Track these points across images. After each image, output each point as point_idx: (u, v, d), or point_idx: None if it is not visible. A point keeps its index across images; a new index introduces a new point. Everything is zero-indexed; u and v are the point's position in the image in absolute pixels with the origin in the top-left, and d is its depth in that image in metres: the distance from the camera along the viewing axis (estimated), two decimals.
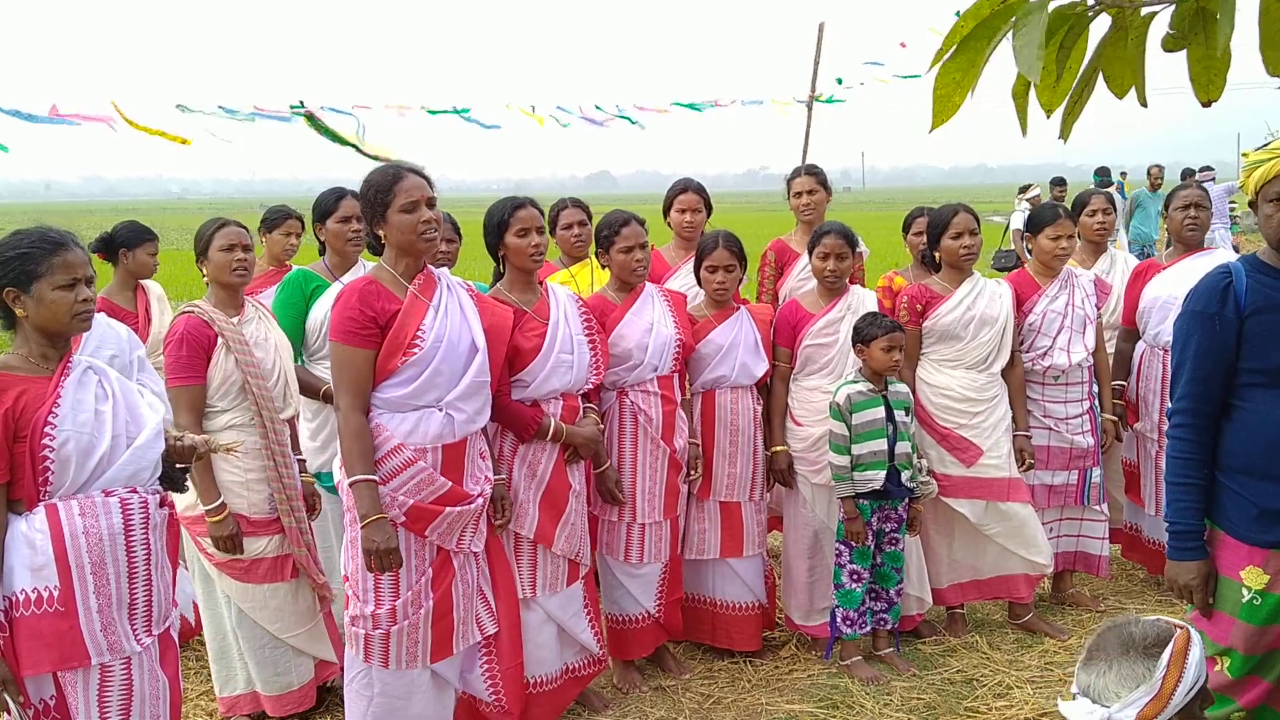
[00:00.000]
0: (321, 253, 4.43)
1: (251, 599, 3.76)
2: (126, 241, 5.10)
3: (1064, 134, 1.98)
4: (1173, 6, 1.83)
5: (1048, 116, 2.05)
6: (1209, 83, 1.88)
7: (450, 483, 3.30)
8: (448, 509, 3.28)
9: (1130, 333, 5.01)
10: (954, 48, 1.94)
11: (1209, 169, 18.13)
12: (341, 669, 4.00)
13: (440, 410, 3.29)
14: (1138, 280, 4.95)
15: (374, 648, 3.29)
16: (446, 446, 3.31)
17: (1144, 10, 1.86)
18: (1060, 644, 4.56)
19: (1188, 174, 18.76)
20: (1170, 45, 1.88)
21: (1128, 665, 2.13)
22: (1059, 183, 15.27)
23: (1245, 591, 2.75)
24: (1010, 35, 2.00)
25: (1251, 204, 2.79)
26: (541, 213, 3.82)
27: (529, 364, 3.71)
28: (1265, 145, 2.72)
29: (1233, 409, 2.81)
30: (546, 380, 3.74)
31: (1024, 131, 1.92)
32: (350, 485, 3.18)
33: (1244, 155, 2.76)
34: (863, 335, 4.20)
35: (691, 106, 8.52)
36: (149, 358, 3.46)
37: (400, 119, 6.47)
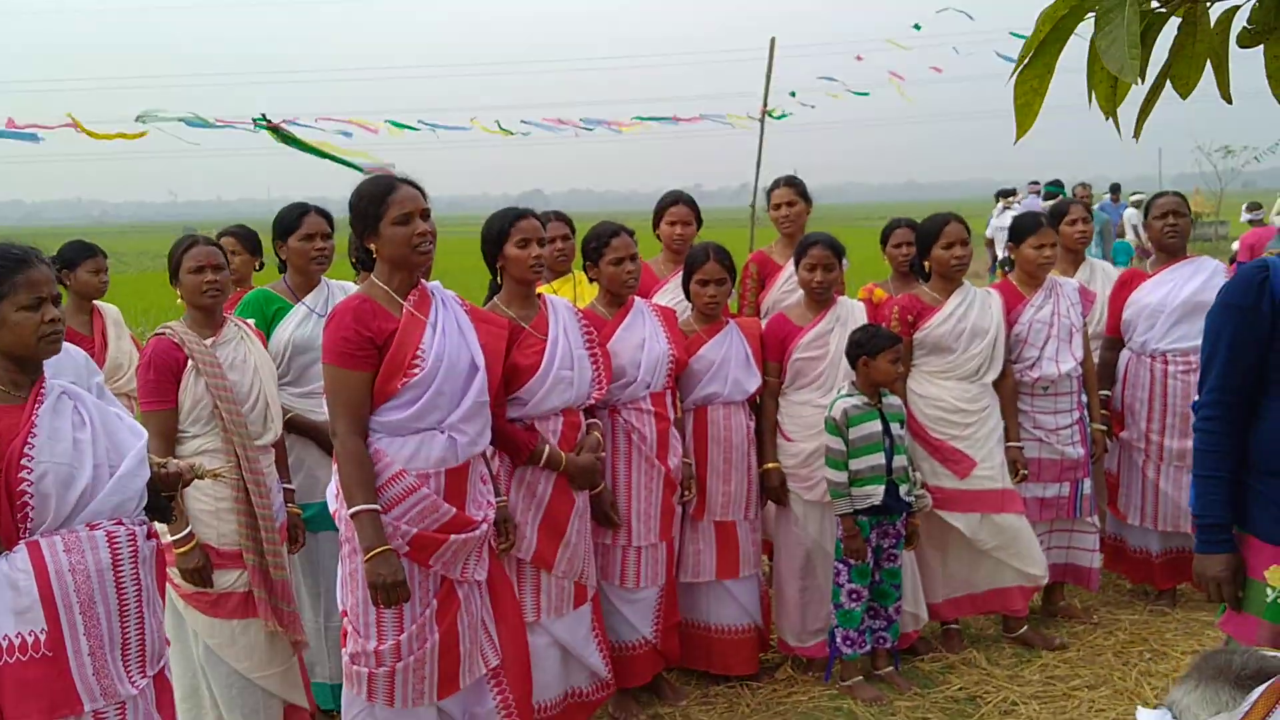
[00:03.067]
0: (282, 271, 4.24)
1: (219, 635, 3.55)
2: (67, 261, 4.86)
3: (1136, 133, 1.92)
4: (1253, 1, 1.77)
5: (1106, 118, 1.99)
6: None
7: (454, 509, 3.15)
8: (453, 537, 3.13)
9: (1115, 341, 5.01)
10: (1032, 53, 1.87)
11: (1084, 184, 18.40)
12: (313, 714, 3.82)
13: (443, 433, 3.14)
14: (1123, 289, 4.97)
15: (378, 686, 3.12)
16: (450, 471, 3.16)
17: (1222, 6, 1.81)
18: (1060, 658, 4.52)
19: (1115, 189, 19.23)
20: (1247, 41, 1.83)
21: (1214, 690, 2.02)
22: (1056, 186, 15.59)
23: (1270, 591, 2.72)
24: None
25: None
26: (542, 224, 3.69)
27: (527, 382, 3.58)
28: None
29: (1260, 408, 2.78)
30: (546, 398, 3.61)
31: (1123, 131, 1.86)
32: (351, 516, 3.01)
33: None
34: (867, 348, 4.13)
35: (654, 119, 8.47)
36: (107, 384, 3.26)
37: (367, 133, 6.30)
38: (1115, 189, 19.15)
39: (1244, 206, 14.92)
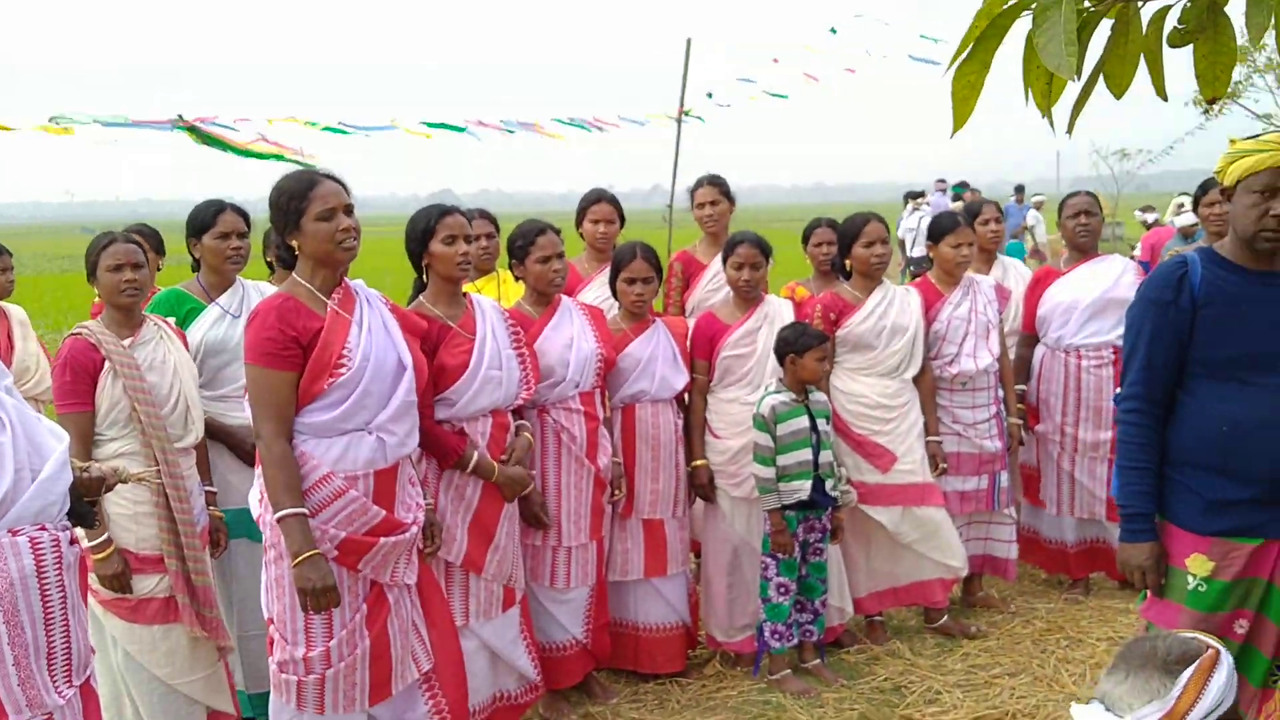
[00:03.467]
0: (195, 270, 4.11)
1: (139, 641, 3.43)
2: None
3: (1069, 129, 1.97)
4: (1184, 1, 1.83)
5: (1042, 116, 2.03)
6: (1215, 79, 1.89)
7: (383, 511, 3.09)
8: (382, 540, 3.07)
9: (1029, 338, 5.15)
10: (969, 49, 1.90)
11: (974, 189, 18.92)
12: None
13: (371, 434, 3.07)
14: (1037, 286, 5.10)
15: (307, 695, 3.04)
16: (379, 473, 3.10)
17: (1155, 6, 1.86)
18: (980, 646, 4.62)
19: (1019, 189, 19.78)
20: (1177, 41, 1.88)
21: (1144, 678, 2.08)
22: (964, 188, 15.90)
23: (1191, 579, 2.81)
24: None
25: (1225, 192, 2.81)
26: (468, 221, 3.64)
27: (455, 382, 3.53)
28: (1256, 137, 2.76)
29: (1179, 402, 2.87)
30: (475, 399, 3.56)
31: (1052, 125, 1.90)
32: (277, 520, 2.93)
33: (1232, 141, 2.79)
34: (795, 346, 4.16)
35: (575, 124, 8.40)
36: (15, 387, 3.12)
37: (280, 130, 6.13)
38: (1020, 190, 19.68)
39: (1138, 209, 15.44)
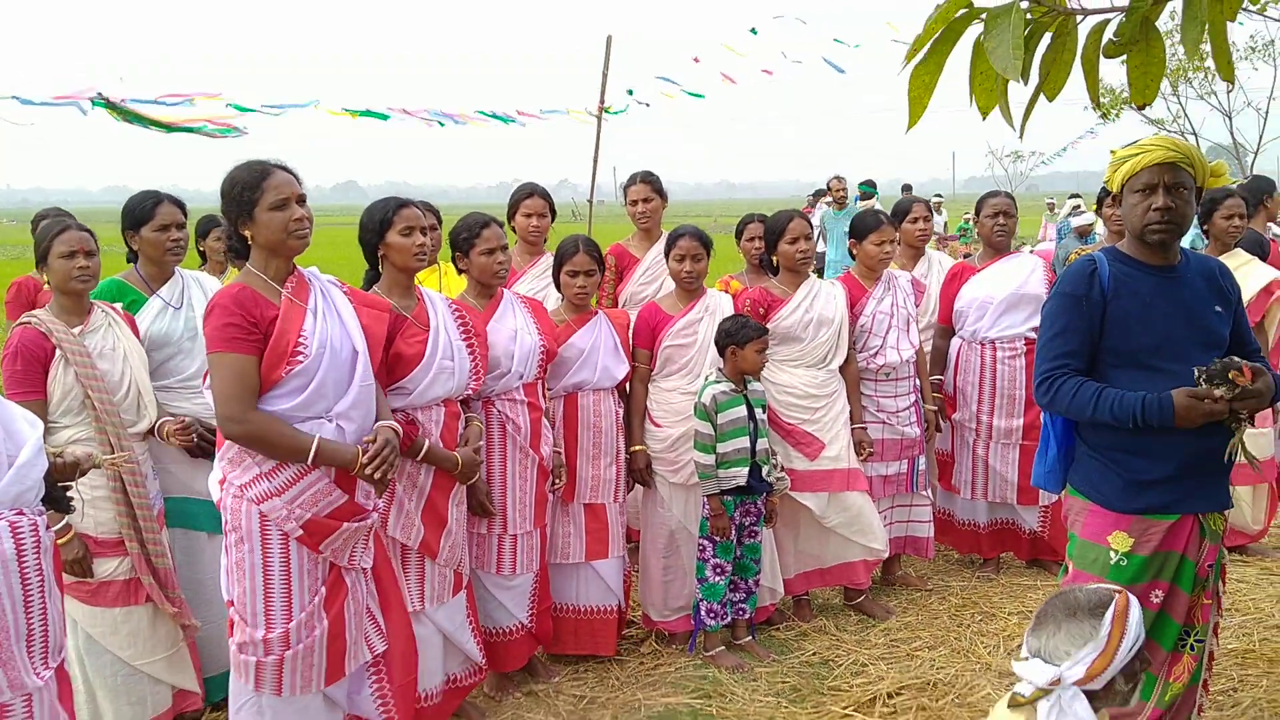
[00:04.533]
0: (131, 261, 4.10)
1: (101, 624, 3.45)
2: None
3: (1020, 132, 2.15)
4: (1120, 16, 2.02)
5: (984, 118, 2.22)
6: (1145, 87, 2.09)
7: (346, 495, 3.15)
8: (344, 524, 3.13)
9: (946, 330, 5.41)
10: (924, 50, 2.07)
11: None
12: (203, 699, 3.75)
13: (331, 421, 3.12)
14: (953, 281, 5.36)
15: (266, 675, 3.08)
16: None
17: (1093, 19, 2.05)
18: (901, 622, 4.87)
19: (907, 188, 20.36)
20: (1112, 51, 2.08)
21: (1075, 626, 2.32)
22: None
23: (1113, 555, 3.02)
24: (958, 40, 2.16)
25: (1114, 197, 3.09)
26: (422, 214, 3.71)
27: (410, 371, 3.59)
28: (1133, 144, 3.01)
29: None
30: (429, 388, 3.63)
31: (1011, 125, 2.07)
32: (313, 461, 3.02)
33: (1111, 153, 3.05)
34: (736, 338, 4.33)
35: (496, 117, 8.46)
36: None
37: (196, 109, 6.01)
38: (907, 188, 20.23)
39: (1067, 204, 15.89)
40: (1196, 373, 2.83)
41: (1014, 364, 5.18)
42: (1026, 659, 2.38)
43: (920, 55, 2.06)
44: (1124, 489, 3.01)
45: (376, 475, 3.11)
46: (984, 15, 2.01)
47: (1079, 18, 2.03)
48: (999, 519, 5.47)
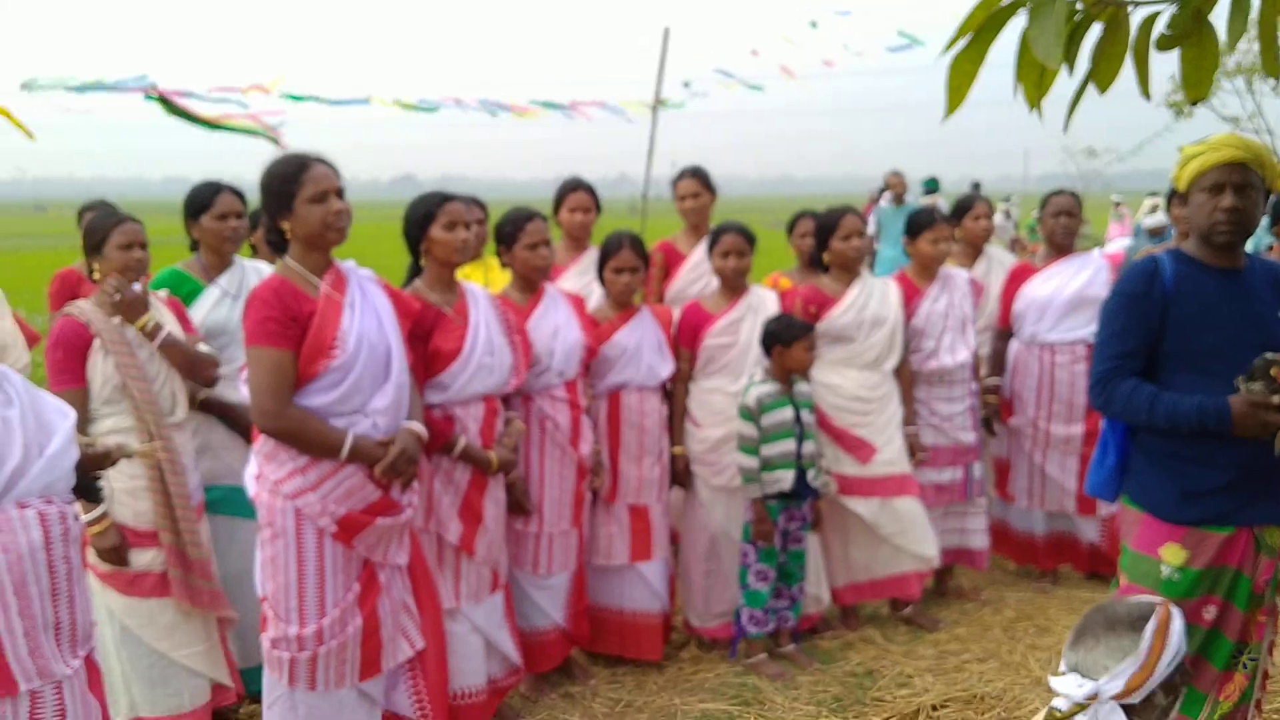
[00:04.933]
0: (193, 249, 4.14)
1: (137, 614, 3.47)
2: None
3: (1065, 126, 2.04)
4: (1173, 8, 1.90)
5: (1031, 109, 2.11)
6: (1199, 82, 1.97)
7: (381, 491, 3.12)
8: (379, 520, 3.10)
9: (1005, 332, 5.24)
10: (968, 38, 1.96)
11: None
12: (238, 695, 3.76)
13: (367, 417, 3.10)
14: (1014, 282, 5.19)
15: (299, 671, 3.07)
16: None
17: (1145, 11, 1.93)
18: (951, 634, 4.72)
19: (976, 186, 19.98)
20: (1164, 45, 1.96)
21: (1114, 640, 2.24)
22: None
23: (1165, 568, 2.89)
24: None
25: (1182, 196, 2.95)
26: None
27: (448, 367, 3.56)
28: (1202, 141, 2.88)
29: None
30: (468, 384, 3.59)
31: (1034, 109, 1.98)
32: (348, 459, 3.02)
33: (1180, 150, 2.92)
34: (782, 337, 4.22)
35: (549, 105, 8.45)
36: None
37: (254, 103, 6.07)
38: (976, 186, 19.86)
39: (1145, 204, 15.44)
40: (1239, 381, 2.71)
41: (1074, 369, 5.00)
42: (1064, 673, 2.28)
43: (962, 43, 1.95)
44: (1178, 499, 2.88)
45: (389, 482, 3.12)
46: (1030, 4, 1.90)
47: (1130, 8, 1.91)
48: (1057, 529, 5.29)
